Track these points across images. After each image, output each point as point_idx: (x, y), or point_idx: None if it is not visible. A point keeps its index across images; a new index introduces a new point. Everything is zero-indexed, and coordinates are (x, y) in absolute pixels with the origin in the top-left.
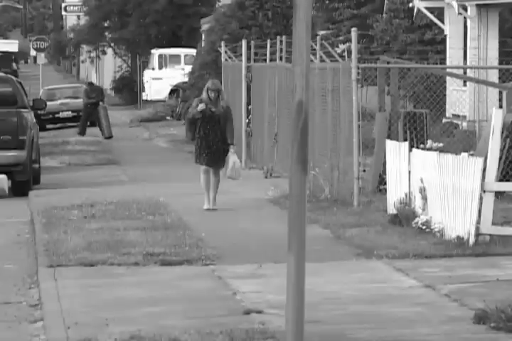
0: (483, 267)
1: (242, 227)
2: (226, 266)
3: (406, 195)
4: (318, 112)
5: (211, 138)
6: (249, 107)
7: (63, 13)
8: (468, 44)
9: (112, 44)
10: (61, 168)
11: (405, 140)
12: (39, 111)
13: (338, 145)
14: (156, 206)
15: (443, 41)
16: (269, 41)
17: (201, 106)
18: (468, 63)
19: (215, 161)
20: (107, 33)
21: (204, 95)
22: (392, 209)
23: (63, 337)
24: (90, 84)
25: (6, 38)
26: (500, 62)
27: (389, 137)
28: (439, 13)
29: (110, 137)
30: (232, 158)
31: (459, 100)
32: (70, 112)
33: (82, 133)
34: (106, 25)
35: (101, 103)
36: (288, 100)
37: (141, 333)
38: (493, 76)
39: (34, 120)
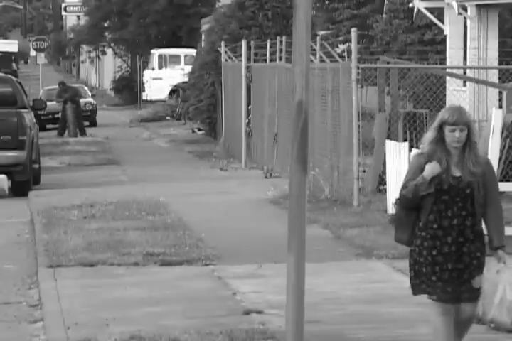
0: None
1: (242, 227)
2: (226, 266)
3: None
4: (318, 112)
5: (457, 237)
6: (249, 107)
7: (63, 13)
8: (468, 44)
9: (112, 44)
10: (61, 168)
11: (405, 140)
12: (39, 111)
13: (338, 146)
14: (156, 206)
15: (443, 41)
16: (269, 41)
17: (434, 169)
18: (468, 63)
19: (467, 286)
20: (106, 33)
21: (431, 145)
22: (392, 210)
23: (63, 337)
24: (61, 84)
25: (6, 38)
26: (500, 62)
27: (389, 137)
28: (439, 13)
29: (75, 136)
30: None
31: (458, 100)
32: None
33: (61, 133)
34: (106, 25)
35: (69, 103)
36: (288, 100)
37: (141, 333)
38: (493, 76)
39: (34, 120)
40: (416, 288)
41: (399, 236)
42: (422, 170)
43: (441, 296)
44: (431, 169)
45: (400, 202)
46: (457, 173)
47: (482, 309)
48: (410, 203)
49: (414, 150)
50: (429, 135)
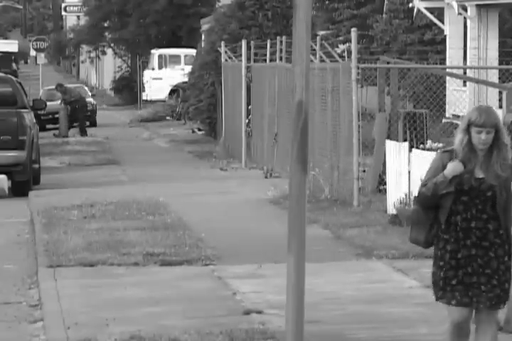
0: None
1: (242, 227)
2: (226, 266)
3: (406, 195)
4: (318, 112)
5: (478, 240)
6: (249, 107)
7: (63, 13)
8: (468, 44)
9: (112, 44)
10: (61, 168)
11: (405, 140)
12: (39, 111)
13: (338, 146)
14: (156, 206)
15: (443, 41)
16: (269, 41)
17: (456, 168)
18: (468, 63)
19: (488, 293)
20: (106, 33)
21: (459, 144)
22: (392, 210)
23: (63, 337)
24: (59, 86)
25: (6, 38)
26: (500, 62)
27: (389, 137)
28: (439, 13)
29: (66, 136)
30: None
31: (458, 100)
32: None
33: (80, 133)
34: (106, 25)
35: (62, 104)
36: (288, 100)
37: (141, 333)
38: (493, 76)
39: (34, 120)
40: (437, 295)
41: (415, 236)
42: (444, 168)
43: (461, 300)
44: (453, 168)
45: (419, 199)
46: (480, 175)
47: (506, 317)
48: (429, 201)
49: (414, 150)
50: (458, 136)
